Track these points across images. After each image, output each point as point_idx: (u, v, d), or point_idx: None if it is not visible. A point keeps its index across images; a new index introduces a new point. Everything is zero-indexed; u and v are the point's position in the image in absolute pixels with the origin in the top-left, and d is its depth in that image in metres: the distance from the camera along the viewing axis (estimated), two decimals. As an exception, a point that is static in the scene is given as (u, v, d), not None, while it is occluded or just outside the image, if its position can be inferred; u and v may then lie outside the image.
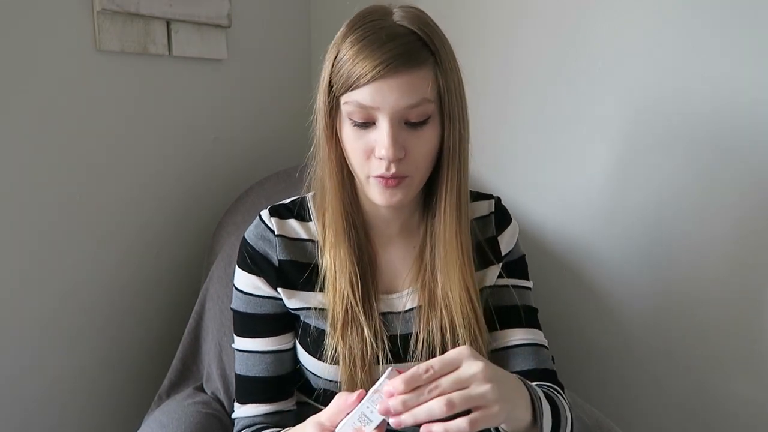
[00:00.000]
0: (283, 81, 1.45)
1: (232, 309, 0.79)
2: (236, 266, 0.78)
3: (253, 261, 0.76)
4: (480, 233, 0.79)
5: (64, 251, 1.03)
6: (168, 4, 1.09)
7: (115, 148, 1.09)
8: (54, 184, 1.00)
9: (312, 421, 0.62)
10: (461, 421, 0.52)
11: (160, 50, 1.12)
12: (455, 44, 0.70)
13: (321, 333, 0.74)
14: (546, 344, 0.80)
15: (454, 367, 0.55)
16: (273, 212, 0.78)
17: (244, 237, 0.78)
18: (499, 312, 0.79)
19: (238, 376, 0.78)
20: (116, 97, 1.07)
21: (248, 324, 0.77)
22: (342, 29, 0.68)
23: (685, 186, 1.05)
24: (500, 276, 0.81)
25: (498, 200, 0.84)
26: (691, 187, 1.05)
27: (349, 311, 0.72)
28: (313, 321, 0.75)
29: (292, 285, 0.75)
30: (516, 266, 0.82)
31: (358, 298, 0.72)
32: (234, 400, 0.79)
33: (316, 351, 0.75)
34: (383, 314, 0.75)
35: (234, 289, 0.78)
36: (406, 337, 0.75)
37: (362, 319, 0.72)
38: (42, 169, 0.98)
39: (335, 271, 0.73)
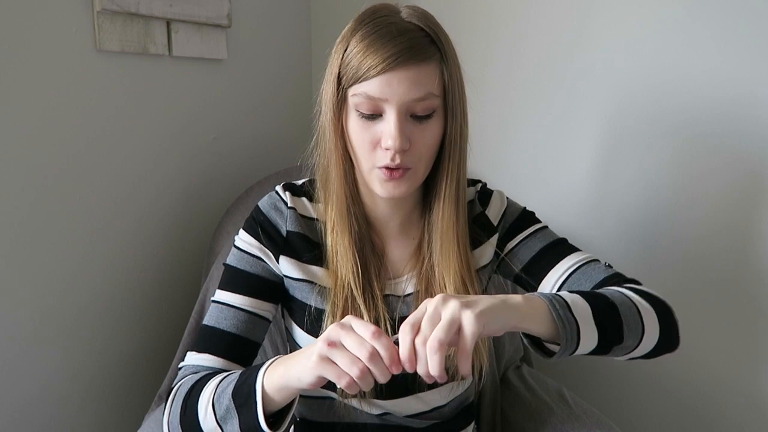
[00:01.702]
0: (283, 81, 1.45)
1: (224, 264, 0.79)
2: (241, 229, 0.79)
3: (261, 228, 0.77)
4: (468, 215, 0.81)
5: (63, 251, 1.03)
6: (168, 4, 1.10)
7: (115, 148, 1.09)
8: (53, 183, 1.00)
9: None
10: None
11: (160, 50, 1.12)
12: (455, 42, 0.71)
13: (320, 313, 0.75)
14: (590, 258, 0.78)
15: (421, 313, 0.56)
16: (287, 188, 0.80)
17: (257, 205, 0.80)
18: (530, 266, 0.79)
19: (203, 327, 0.76)
20: (116, 97, 1.07)
21: (235, 278, 0.77)
22: (350, 24, 0.70)
23: (683, 184, 1.06)
24: (507, 239, 0.82)
25: (484, 185, 0.86)
26: (688, 185, 1.05)
27: (350, 299, 0.73)
28: (312, 300, 0.76)
29: (298, 256, 0.77)
30: (520, 221, 0.83)
31: (359, 287, 0.73)
32: (188, 350, 0.76)
33: (315, 331, 0.76)
34: (386, 297, 0.77)
35: (233, 247, 0.79)
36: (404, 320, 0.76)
37: (362, 306, 0.73)
38: (41, 168, 0.98)
39: (337, 260, 0.74)
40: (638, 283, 0.75)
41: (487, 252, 0.81)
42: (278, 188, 0.80)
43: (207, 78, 1.24)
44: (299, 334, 0.78)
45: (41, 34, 0.95)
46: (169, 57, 1.15)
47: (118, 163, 1.10)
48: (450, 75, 0.68)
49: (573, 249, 0.80)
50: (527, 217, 0.84)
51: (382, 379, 0.56)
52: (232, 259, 0.78)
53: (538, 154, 1.22)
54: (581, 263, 0.77)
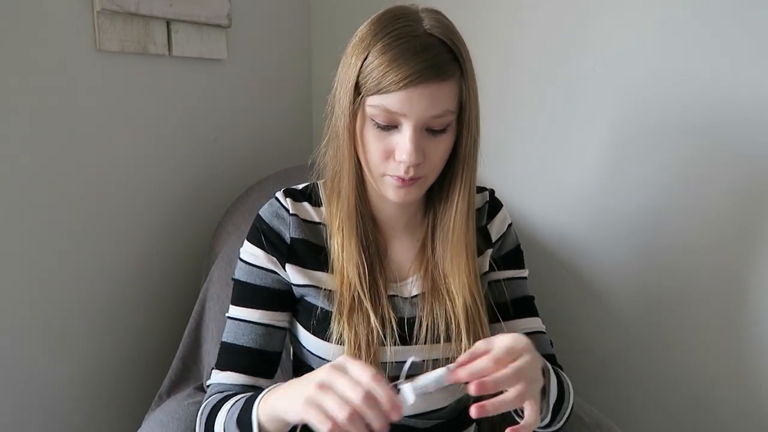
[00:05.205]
0: (283, 81, 1.45)
1: (233, 279, 0.79)
2: (246, 240, 0.79)
3: (265, 237, 0.77)
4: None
5: (63, 251, 1.03)
6: (168, 4, 1.10)
7: (115, 148, 1.09)
8: (54, 184, 1.00)
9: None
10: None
11: (160, 50, 1.12)
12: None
13: (327, 314, 0.75)
14: (544, 330, 0.85)
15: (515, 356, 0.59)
16: (288, 194, 0.80)
17: (258, 214, 0.80)
18: (498, 305, 0.82)
19: (223, 344, 0.78)
20: (116, 97, 1.07)
21: (247, 293, 0.78)
22: (369, 28, 0.68)
23: (687, 186, 1.06)
24: (494, 268, 0.83)
25: (491, 192, 0.87)
26: (692, 187, 1.05)
27: (356, 298, 0.74)
28: (319, 302, 0.76)
29: (303, 263, 0.77)
30: (511, 257, 0.86)
31: (365, 286, 0.74)
32: (212, 368, 0.78)
33: (322, 332, 0.76)
34: (391, 297, 0.77)
35: (239, 260, 0.79)
36: (411, 321, 0.77)
37: (368, 305, 0.73)
38: (41, 169, 0.98)
39: (343, 259, 0.75)
40: (563, 370, 0.82)
41: (485, 262, 0.83)
42: (278, 195, 0.80)
43: (207, 78, 1.24)
44: (305, 336, 0.78)
45: (41, 34, 0.95)
46: (169, 57, 1.15)
47: (117, 162, 1.09)
48: (468, 91, 0.69)
49: (535, 311, 0.86)
50: (518, 257, 0.87)
51: (377, 424, 0.54)
52: (241, 273, 0.79)
53: (541, 156, 1.22)
54: (536, 330, 0.84)
